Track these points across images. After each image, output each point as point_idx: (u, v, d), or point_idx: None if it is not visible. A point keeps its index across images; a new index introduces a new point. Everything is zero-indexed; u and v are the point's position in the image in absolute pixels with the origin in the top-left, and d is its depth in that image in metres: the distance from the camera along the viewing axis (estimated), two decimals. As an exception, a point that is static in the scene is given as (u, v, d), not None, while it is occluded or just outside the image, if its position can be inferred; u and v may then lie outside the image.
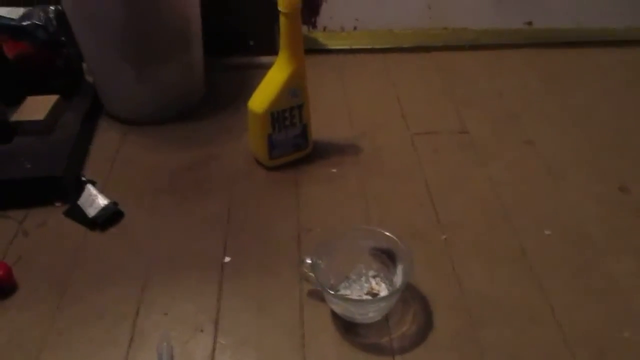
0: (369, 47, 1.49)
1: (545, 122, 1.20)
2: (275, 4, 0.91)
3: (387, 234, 0.78)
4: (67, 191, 0.97)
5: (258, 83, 1.02)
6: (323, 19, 1.47)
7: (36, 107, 1.07)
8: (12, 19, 1.11)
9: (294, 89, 0.99)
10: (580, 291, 0.82)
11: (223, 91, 1.30)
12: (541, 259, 0.87)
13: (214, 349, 0.74)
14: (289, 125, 1.02)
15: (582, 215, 0.95)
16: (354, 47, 1.49)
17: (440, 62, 1.43)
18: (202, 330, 0.76)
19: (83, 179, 0.99)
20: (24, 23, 1.10)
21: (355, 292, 0.80)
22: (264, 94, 0.99)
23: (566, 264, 0.86)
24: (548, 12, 1.48)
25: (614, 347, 0.74)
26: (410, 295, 0.80)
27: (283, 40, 0.95)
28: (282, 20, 0.92)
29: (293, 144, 1.05)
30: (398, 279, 0.76)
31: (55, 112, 1.08)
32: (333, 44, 1.49)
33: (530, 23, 1.50)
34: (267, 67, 1.01)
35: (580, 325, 0.77)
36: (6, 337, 0.75)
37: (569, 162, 1.08)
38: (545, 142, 1.13)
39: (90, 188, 0.96)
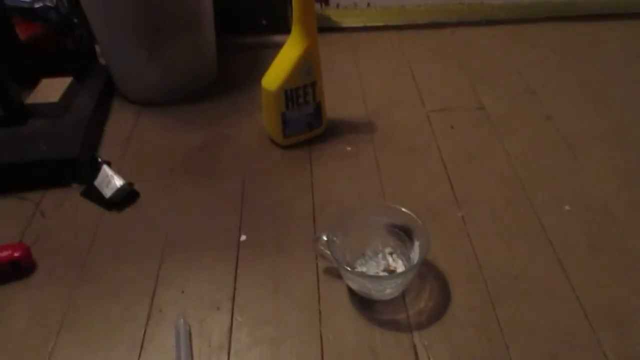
0: (382, 24, 1.47)
1: (565, 97, 1.17)
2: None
3: (403, 209, 0.77)
4: (83, 172, 0.98)
5: (271, 62, 1.01)
6: (336, -4, 1.46)
7: (50, 89, 1.07)
8: (23, 1, 1.11)
9: (307, 67, 0.98)
10: (601, 267, 0.80)
11: (236, 71, 1.29)
12: (560, 235, 0.85)
13: (230, 326, 0.74)
14: (302, 103, 1.01)
15: (602, 190, 0.93)
16: (367, 24, 1.47)
17: (455, 38, 1.41)
18: (218, 308, 0.77)
19: (99, 159, 1.00)
20: (36, 5, 1.10)
21: (371, 268, 0.79)
22: (277, 71, 0.98)
23: (586, 240, 0.85)
24: (566, -15, 1.45)
25: (634, 322, 0.73)
26: (427, 272, 0.80)
27: (296, 17, 0.94)
28: (295, -4, 0.91)
29: (307, 122, 1.04)
30: (415, 255, 0.76)
31: (69, 94, 1.08)
32: (346, 22, 1.47)
33: (548, -4, 1.47)
34: (279, 46, 1.00)
35: (600, 300, 0.76)
36: (27, 315, 0.76)
37: (589, 137, 1.06)
38: (564, 117, 1.11)
39: (106, 169, 0.97)
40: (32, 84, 1.08)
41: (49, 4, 1.11)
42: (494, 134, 1.07)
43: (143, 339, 0.73)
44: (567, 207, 0.90)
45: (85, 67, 1.20)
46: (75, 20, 1.14)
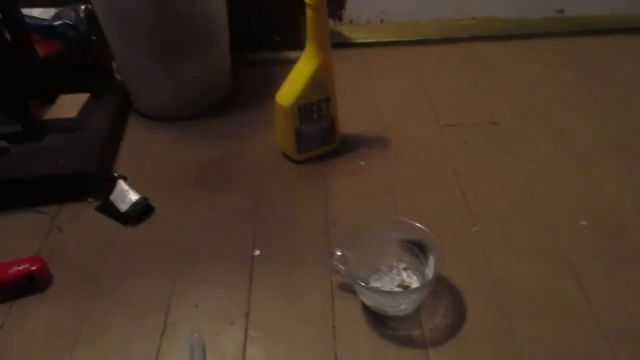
0: (395, 39, 1.47)
1: (578, 112, 1.17)
2: (300, -2, 0.91)
3: (418, 225, 0.77)
4: (99, 187, 0.99)
5: (284, 78, 1.02)
6: (349, 12, 1.47)
7: (67, 105, 1.09)
8: (43, 19, 1.13)
9: (321, 82, 0.98)
10: (618, 283, 0.79)
11: (250, 86, 1.30)
12: (577, 250, 0.84)
13: (245, 341, 0.74)
14: (316, 119, 1.02)
15: (618, 205, 0.93)
16: (380, 40, 1.47)
17: (468, 54, 1.41)
18: (232, 323, 0.77)
19: (115, 174, 1.01)
20: (55, 23, 1.12)
21: (386, 284, 0.79)
22: (291, 87, 0.99)
23: (603, 256, 0.84)
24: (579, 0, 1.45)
25: (655, 340, 0.72)
26: (441, 288, 0.79)
27: (309, 33, 0.95)
28: (309, 12, 0.92)
29: (320, 137, 1.04)
30: (429, 271, 0.75)
31: (86, 110, 1.10)
32: (359, 38, 1.48)
33: (561, 11, 1.47)
34: (293, 62, 1.01)
35: (619, 317, 0.74)
36: (43, 329, 0.77)
37: (604, 151, 1.05)
38: (578, 132, 1.10)
39: (121, 184, 0.98)
40: (51, 100, 1.10)
41: (68, 22, 1.13)
42: (507, 149, 1.07)
43: (157, 353, 0.73)
44: (583, 223, 0.89)
45: (103, 83, 1.21)
46: (94, 38, 1.16)
